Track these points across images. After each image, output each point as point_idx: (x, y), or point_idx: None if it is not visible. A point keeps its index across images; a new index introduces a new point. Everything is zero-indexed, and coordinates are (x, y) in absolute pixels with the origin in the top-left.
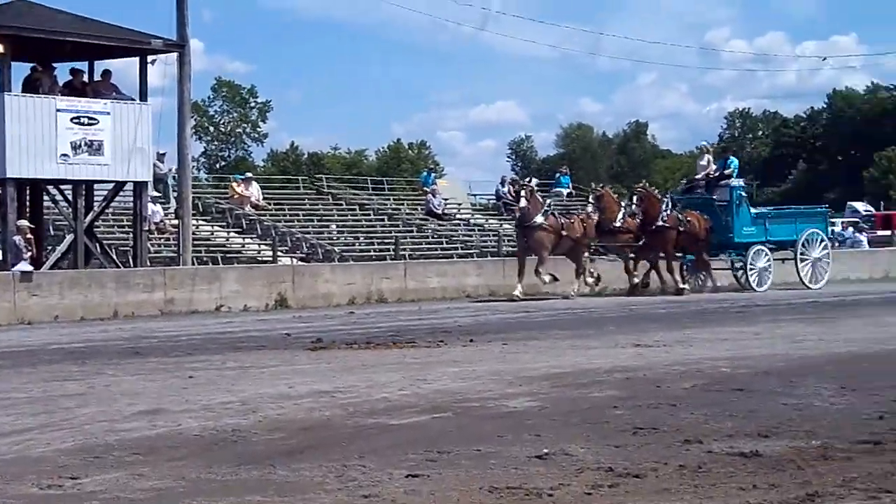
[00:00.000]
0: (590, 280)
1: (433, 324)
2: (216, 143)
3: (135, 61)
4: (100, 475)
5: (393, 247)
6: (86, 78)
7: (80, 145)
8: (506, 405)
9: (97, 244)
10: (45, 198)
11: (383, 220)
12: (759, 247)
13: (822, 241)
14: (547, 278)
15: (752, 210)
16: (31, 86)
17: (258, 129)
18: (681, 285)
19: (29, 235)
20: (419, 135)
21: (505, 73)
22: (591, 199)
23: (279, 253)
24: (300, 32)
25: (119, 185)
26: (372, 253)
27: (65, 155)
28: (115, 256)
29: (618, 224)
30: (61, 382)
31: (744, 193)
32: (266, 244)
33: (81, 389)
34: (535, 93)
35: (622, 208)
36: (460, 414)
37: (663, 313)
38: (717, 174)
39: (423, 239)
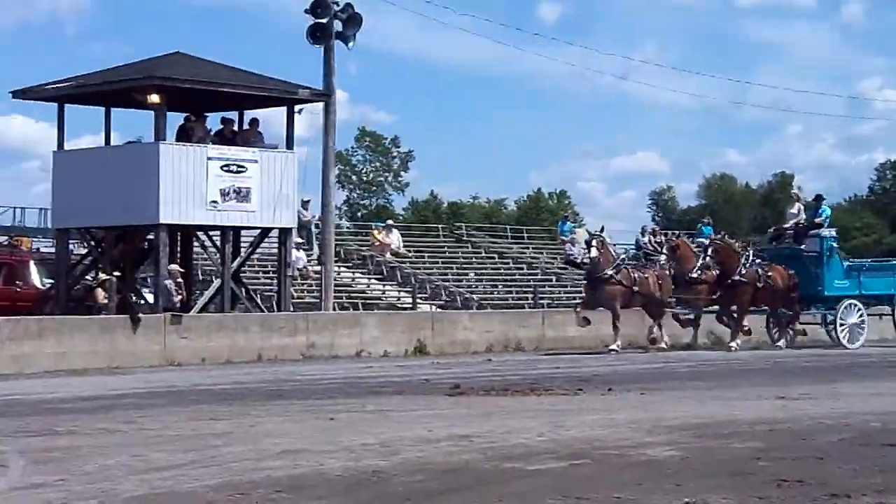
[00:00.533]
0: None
1: (571, 373)
2: (358, 191)
3: (280, 110)
4: None
5: (531, 295)
6: (235, 127)
7: (228, 192)
8: (645, 453)
9: (243, 289)
10: (195, 243)
11: (522, 268)
12: (851, 301)
13: None
14: (582, 322)
15: (845, 262)
16: (184, 134)
17: (399, 179)
18: (731, 343)
19: (179, 279)
20: (559, 185)
21: (646, 123)
22: (664, 250)
23: (418, 300)
24: (443, 83)
25: (265, 232)
26: (510, 301)
27: (214, 202)
28: (259, 301)
29: (694, 275)
30: (209, 422)
31: (835, 244)
32: (406, 291)
33: (228, 429)
34: (676, 143)
35: (699, 259)
36: (599, 461)
37: (808, 367)
38: (806, 223)
39: (562, 288)
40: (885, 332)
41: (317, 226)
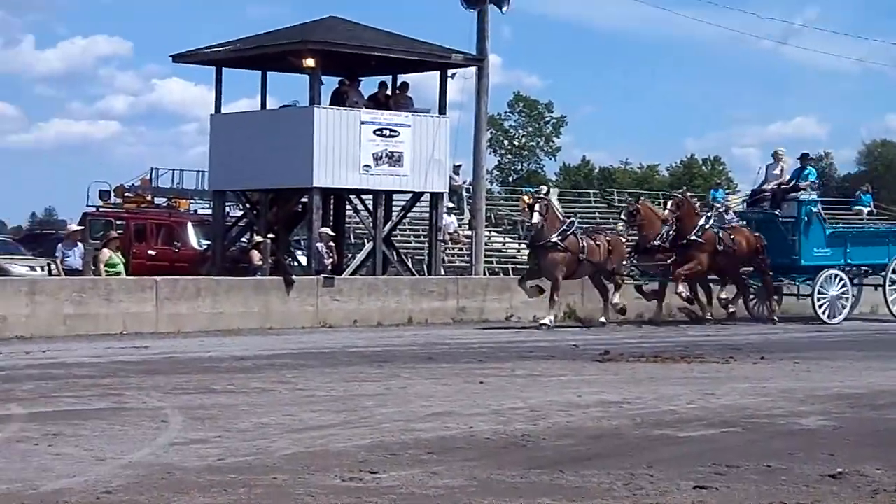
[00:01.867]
0: (617, 303)
1: (721, 340)
2: (510, 156)
3: (432, 74)
4: (396, 471)
5: None
6: (388, 91)
7: (381, 157)
8: (797, 423)
9: (394, 252)
10: (348, 206)
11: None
12: (833, 271)
13: None
14: (533, 293)
15: (828, 228)
16: (338, 99)
17: (551, 144)
18: (704, 314)
19: (331, 242)
20: (713, 151)
21: (805, 89)
22: (622, 216)
23: None
24: (596, 47)
25: (416, 196)
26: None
27: (367, 166)
28: (410, 265)
29: (657, 242)
30: (360, 383)
31: (815, 209)
32: None
33: (379, 390)
34: (835, 108)
35: (665, 224)
36: (749, 429)
37: None
38: (788, 185)
39: None
40: (880, 305)
41: (468, 190)
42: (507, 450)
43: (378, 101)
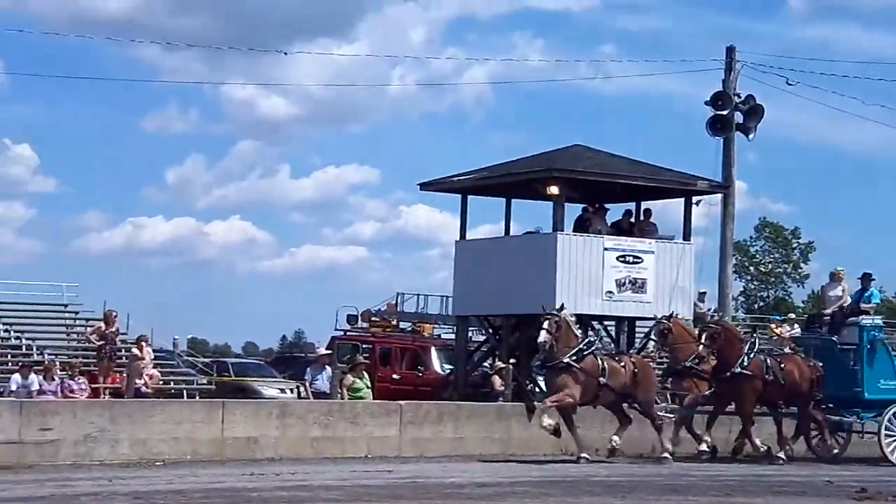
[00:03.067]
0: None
1: None
2: (756, 282)
3: (675, 201)
4: None
5: None
6: (632, 218)
7: (624, 283)
8: None
9: None
10: (590, 333)
11: None
12: None
13: None
14: (547, 422)
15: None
16: (581, 225)
17: (799, 270)
18: (777, 453)
19: None
20: None
21: None
22: (653, 335)
23: None
24: (845, 171)
25: None
26: None
27: (610, 292)
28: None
29: (688, 364)
30: None
31: (880, 335)
32: None
33: None
34: None
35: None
36: None
37: None
38: (848, 309)
39: None
40: None
41: (712, 317)
42: None
43: (621, 228)
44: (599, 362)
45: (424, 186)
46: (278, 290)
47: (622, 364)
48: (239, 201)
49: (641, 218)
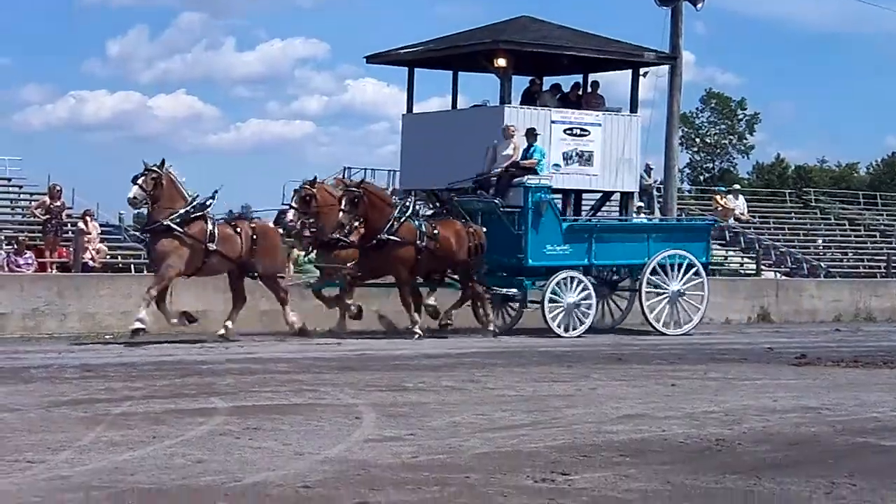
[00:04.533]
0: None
1: None
2: (701, 154)
3: (623, 73)
4: (589, 473)
5: (884, 264)
6: (580, 91)
7: (571, 156)
8: None
9: None
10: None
11: (874, 235)
12: (569, 273)
13: (689, 267)
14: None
15: (564, 221)
16: (528, 98)
17: (744, 141)
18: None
19: None
20: None
21: None
22: (293, 203)
23: (763, 267)
24: (793, 43)
25: (606, 196)
26: (861, 269)
27: (557, 165)
28: None
29: (337, 235)
30: (550, 383)
31: (546, 196)
32: (749, 257)
33: (569, 391)
34: None
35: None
36: None
37: None
38: (514, 168)
39: None
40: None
41: (658, 189)
42: (701, 454)
43: (568, 101)
44: (209, 227)
45: (371, 59)
46: (224, 164)
47: (239, 230)
48: (184, 75)
49: (589, 90)
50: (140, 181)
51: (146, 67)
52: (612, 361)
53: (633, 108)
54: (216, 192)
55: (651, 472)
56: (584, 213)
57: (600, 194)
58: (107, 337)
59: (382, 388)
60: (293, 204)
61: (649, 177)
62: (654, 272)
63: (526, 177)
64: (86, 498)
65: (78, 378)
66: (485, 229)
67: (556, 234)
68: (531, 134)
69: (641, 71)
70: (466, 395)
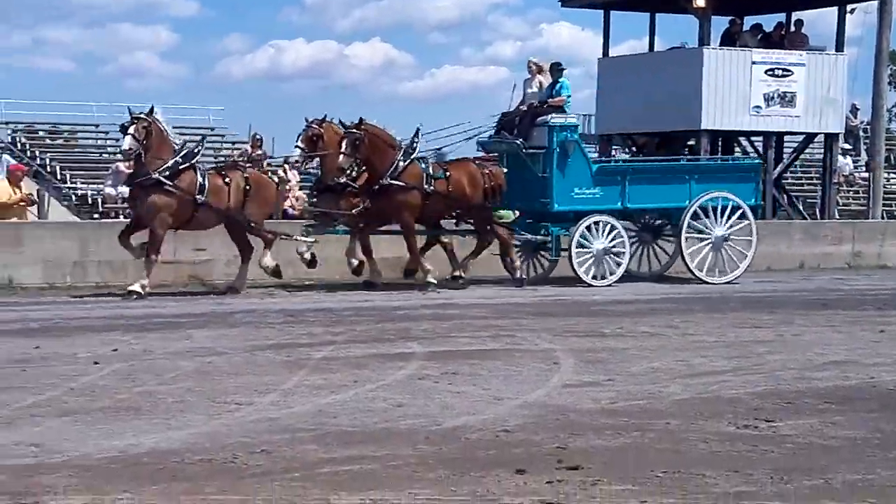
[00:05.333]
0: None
1: None
2: None
3: (828, 11)
4: (793, 420)
5: None
6: (783, 30)
7: (772, 97)
8: None
9: (784, 195)
10: (736, 149)
11: None
12: (598, 217)
13: (735, 210)
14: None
15: (594, 163)
16: (728, 39)
17: None
18: (456, 272)
19: None
20: None
21: None
22: (297, 143)
23: None
24: None
25: (809, 137)
26: None
27: (757, 107)
28: (801, 208)
29: (342, 179)
30: (751, 329)
31: (573, 136)
32: None
33: (771, 337)
34: None
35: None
36: None
37: None
38: (539, 106)
39: None
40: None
41: (865, 130)
42: None
43: (770, 41)
44: (199, 178)
45: (566, 2)
46: (420, 112)
47: (229, 180)
48: (379, 22)
49: (792, 29)
50: (132, 130)
51: (342, 16)
52: (816, 307)
53: (840, 46)
54: (203, 138)
55: (859, 420)
56: (785, 156)
57: (803, 136)
58: (306, 282)
59: (580, 334)
60: (299, 144)
61: (856, 118)
62: (695, 216)
63: (550, 115)
64: (292, 439)
65: (280, 322)
66: (505, 170)
67: (585, 176)
68: (556, 69)
69: (849, 7)
70: (665, 340)
